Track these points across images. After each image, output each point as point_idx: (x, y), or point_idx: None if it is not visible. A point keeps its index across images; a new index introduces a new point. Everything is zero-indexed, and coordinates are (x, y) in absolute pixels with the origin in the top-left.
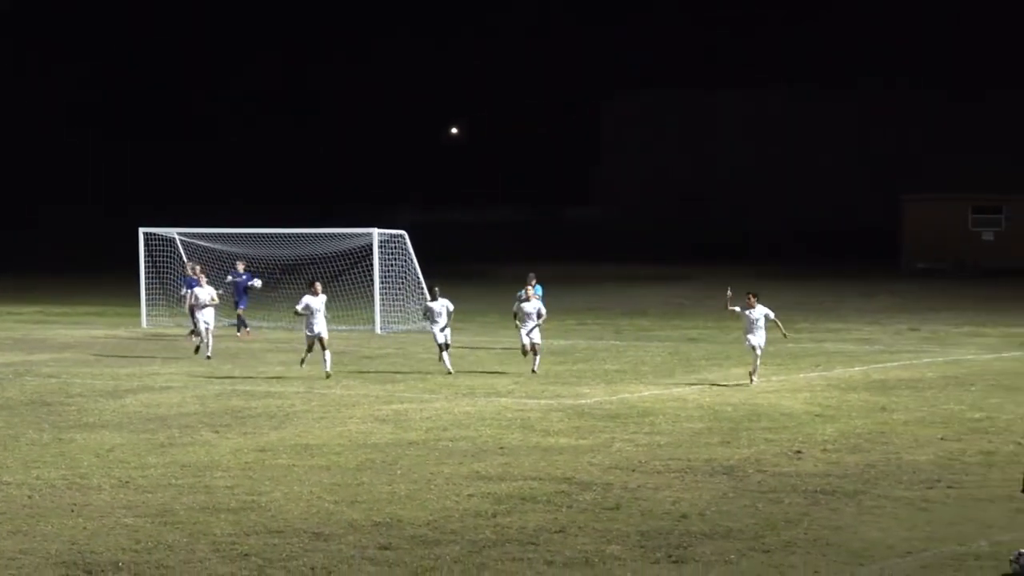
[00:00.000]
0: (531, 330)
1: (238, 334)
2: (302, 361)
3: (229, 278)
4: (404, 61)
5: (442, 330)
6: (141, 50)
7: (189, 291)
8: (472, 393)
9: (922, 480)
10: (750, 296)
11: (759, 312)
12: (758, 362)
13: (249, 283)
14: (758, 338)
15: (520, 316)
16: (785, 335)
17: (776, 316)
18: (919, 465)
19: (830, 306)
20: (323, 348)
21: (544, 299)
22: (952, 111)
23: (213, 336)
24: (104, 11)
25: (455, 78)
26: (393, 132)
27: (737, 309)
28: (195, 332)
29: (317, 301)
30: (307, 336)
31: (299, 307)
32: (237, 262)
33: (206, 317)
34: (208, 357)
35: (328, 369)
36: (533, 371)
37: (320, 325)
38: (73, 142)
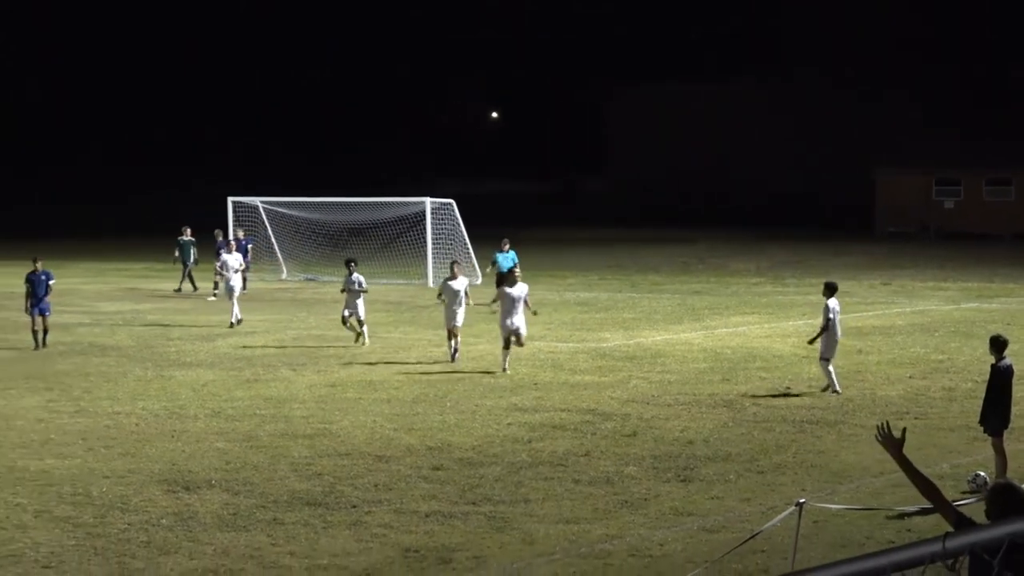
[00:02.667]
0: (517, 315)
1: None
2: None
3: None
4: (450, 55)
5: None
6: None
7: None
8: None
9: (893, 412)
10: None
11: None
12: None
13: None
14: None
15: (502, 300)
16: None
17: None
18: (890, 399)
19: (813, 264)
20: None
21: (517, 264)
22: (915, 98)
23: (239, 301)
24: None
25: (492, 70)
26: (442, 115)
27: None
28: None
29: (458, 284)
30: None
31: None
32: (218, 231)
33: (233, 282)
34: (231, 324)
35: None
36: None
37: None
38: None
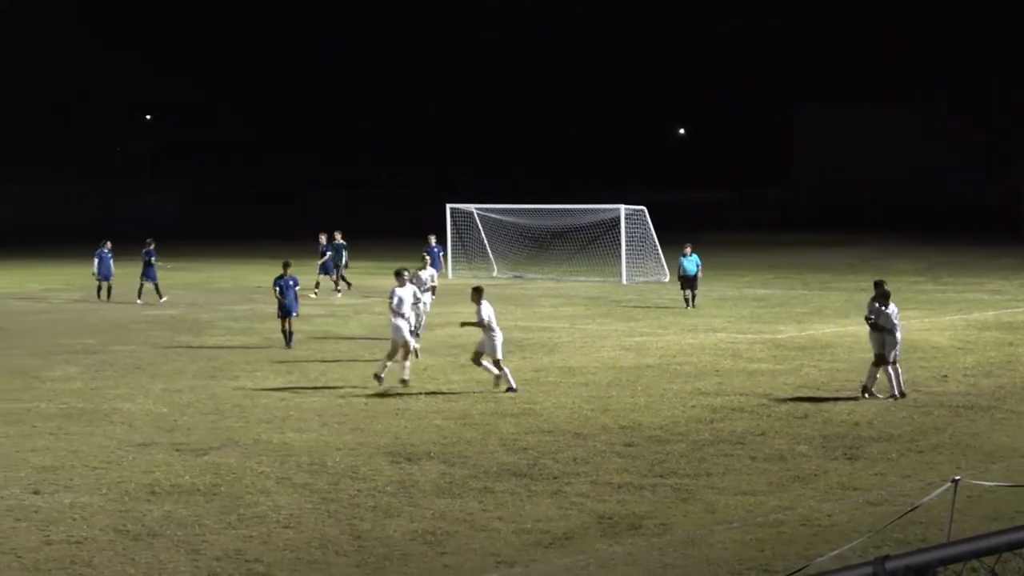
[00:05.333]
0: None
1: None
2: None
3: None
4: (640, 78)
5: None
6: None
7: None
8: (694, 329)
9: None
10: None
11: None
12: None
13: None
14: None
15: None
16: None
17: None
18: None
19: (967, 264)
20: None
21: (699, 267)
22: None
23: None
24: None
25: (682, 90)
26: (638, 130)
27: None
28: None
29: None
30: None
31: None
32: (321, 235)
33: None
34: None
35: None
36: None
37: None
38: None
